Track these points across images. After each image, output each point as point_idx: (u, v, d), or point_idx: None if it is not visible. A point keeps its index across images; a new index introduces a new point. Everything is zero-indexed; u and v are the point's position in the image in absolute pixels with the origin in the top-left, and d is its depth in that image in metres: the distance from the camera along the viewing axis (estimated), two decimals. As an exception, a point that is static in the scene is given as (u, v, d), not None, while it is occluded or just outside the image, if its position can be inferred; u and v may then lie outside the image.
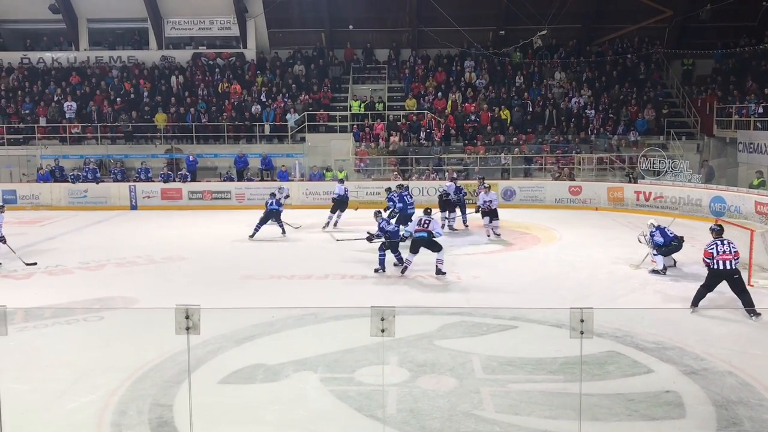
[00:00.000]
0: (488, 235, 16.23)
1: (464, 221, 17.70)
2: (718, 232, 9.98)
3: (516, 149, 23.57)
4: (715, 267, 9.58)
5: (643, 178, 20.71)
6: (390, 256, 12.75)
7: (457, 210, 17.71)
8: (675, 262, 12.71)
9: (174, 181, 22.68)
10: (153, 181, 22.75)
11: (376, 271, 12.52)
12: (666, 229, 12.53)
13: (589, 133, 24.07)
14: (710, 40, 25.81)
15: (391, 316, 4.51)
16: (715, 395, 7.07)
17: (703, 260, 9.88)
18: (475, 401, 6.97)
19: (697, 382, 7.44)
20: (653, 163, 20.62)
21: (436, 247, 12.31)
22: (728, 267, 9.53)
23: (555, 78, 26.33)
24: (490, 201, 16.26)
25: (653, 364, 7.99)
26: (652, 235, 12.42)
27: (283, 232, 16.77)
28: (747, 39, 25.06)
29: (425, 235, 12.25)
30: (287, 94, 25.83)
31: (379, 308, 4.60)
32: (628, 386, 7.40)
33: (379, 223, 12.98)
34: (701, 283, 9.93)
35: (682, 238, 12.56)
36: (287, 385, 7.42)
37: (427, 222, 12.41)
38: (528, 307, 10.27)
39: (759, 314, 9.27)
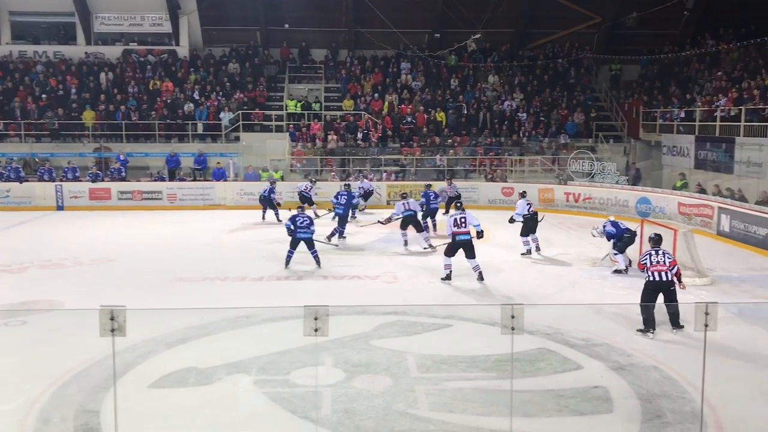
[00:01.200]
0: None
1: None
2: (655, 241, 9.61)
3: (451, 151, 23.87)
4: (650, 278, 9.16)
5: (573, 179, 21.30)
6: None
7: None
8: (630, 261, 12.54)
9: (103, 180, 21.99)
10: (81, 181, 21.99)
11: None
12: (619, 223, 12.88)
13: (521, 135, 24.58)
14: (636, 47, 26.71)
15: (325, 315, 4.50)
16: (641, 389, 7.32)
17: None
18: (410, 400, 7.02)
19: (624, 377, 7.69)
20: (582, 165, 21.24)
21: (472, 254, 11.94)
22: (663, 279, 9.07)
23: (489, 81, 26.78)
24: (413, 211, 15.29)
25: (582, 360, 8.23)
26: (604, 227, 12.73)
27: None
28: (670, 46, 26.09)
29: (467, 237, 11.86)
30: (221, 93, 25.41)
31: (312, 308, 4.58)
32: (559, 382, 7.59)
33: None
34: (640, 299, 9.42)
35: (634, 231, 12.70)
36: (220, 388, 7.31)
37: (463, 220, 11.95)
38: (461, 304, 10.42)
39: (682, 327, 8.99)
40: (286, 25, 27.64)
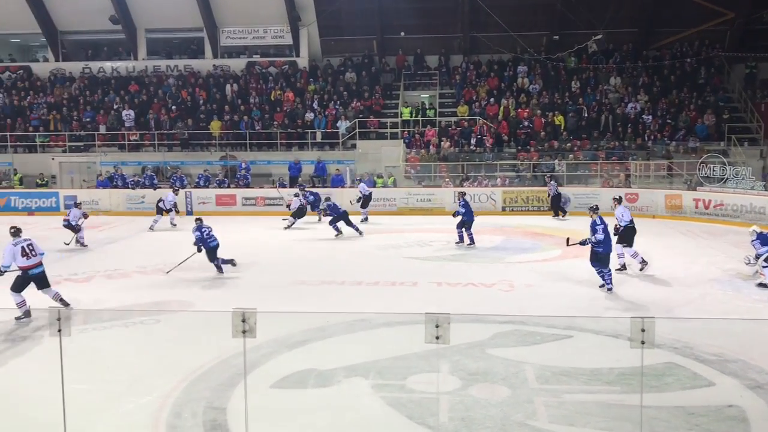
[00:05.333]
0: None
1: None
2: None
3: (570, 155, 23.19)
4: None
5: (703, 185, 20.11)
6: None
7: None
8: None
9: (228, 186, 23.10)
10: (208, 187, 23.20)
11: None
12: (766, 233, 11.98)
13: (646, 139, 23.52)
14: (774, 43, 24.98)
15: (446, 323, 4.46)
16: (782, 411, 6.77)
17: None
18: (529, 411, 6.84)
19: (762, 396, 7.14)
20: (713, 170, 20.00)
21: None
22: None
23: (611, 83, 25.84)
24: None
25: (714, 377, 7.71)
26: (753, 244, 11.88)
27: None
28: (814, 41, 24.19)
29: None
30: (338, 102, 26.03)
31: (433, 315, 4.55)
32: (688, 399, 7.16)
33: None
34: None
35: None
36: (338, 391, 7.42)
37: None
38: (584, 315, 10.05)
39: None
40: (402, 33, 27.96)
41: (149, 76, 28.51)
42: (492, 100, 25.56)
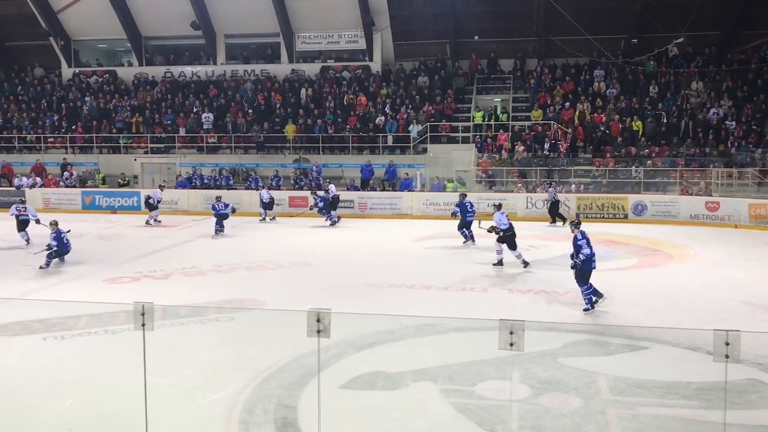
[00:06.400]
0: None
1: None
2: None
3: (648, 162, 22.50)
4: None
5: (791, 194, 19.18)
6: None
7: None
8: None
9: (302, 189, 23.51)
10: (281, 189, 23.66)
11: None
12: None
13: (729, 145, 22.58)
14: None
15: (520, 330, 4.41)
16: None
17: None
18: (602, 423, 6.68)
19: None
20: (803, 179, 19.05)
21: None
22: None
23: (692, 87, 24.94)
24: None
25: (803, 396, 7.34)
26: None
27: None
28: None
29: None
30: (410, 106, 26.09)
31: (507, 321, 4.51)
32: (774, 419, 6.84)
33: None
34: None
35: None
36: (407, 394, 7.42)
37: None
38: (662, 327, 9.72)
39: None
40: (476, 37, 27.79)
41: (227, 80, 29.32)
42: (567, 104, 25.09)
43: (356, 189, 23.41)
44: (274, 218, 21.44)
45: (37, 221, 16.24)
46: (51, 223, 14.20)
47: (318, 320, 4.84)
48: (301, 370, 7.75)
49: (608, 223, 20.48)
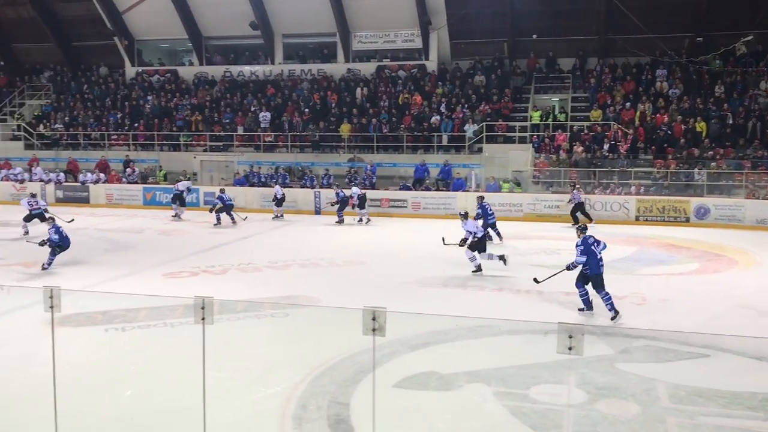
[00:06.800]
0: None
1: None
2: None
3: (712, 164, 21.78)
4: None
5: None
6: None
7: None
8: None
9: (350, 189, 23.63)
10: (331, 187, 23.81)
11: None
12: None
13: (800, 148, 21.69)
14: None
15: (580, 334, 4.32)
16: None
17: None
18: (660, 431, 6.49)
19: None
20: None
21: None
22: None
23: (761, 87, 24.02)
24: None
25: None
26: None
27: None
28: None
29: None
30: (466, 105, 25.90)
31: (566, 325, 4.42)
32: None
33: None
34: None
35: None
36: (460, 396, 7.37)
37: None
38: (724, 334, 9.40)
39: None
40: (534, 36, 27.40)
41: (284, 79, 29.68)
42: (628, 104, 24.49)
43: (407, 188, 23.36)
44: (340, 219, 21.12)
45: (45, 211, 17.27)
46: (49, 219, 14.56)
47: (373, 318, 4.84)
48: (355, 367, 7.78)
49: (669, 226, 19.95)
